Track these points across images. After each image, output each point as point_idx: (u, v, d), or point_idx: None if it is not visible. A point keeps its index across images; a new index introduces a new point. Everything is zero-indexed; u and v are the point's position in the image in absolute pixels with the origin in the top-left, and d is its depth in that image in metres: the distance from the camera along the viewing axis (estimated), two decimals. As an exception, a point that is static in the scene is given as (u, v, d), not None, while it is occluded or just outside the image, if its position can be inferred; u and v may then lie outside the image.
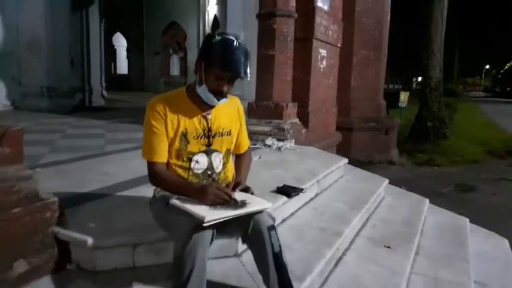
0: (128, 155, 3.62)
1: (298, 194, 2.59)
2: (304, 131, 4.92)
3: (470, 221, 3.86)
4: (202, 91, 1.66)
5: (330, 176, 3.38)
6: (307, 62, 5.02)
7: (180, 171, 1.74)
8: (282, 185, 2.66)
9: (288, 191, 2.54)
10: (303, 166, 3.42)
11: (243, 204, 1.55)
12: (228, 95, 1.71)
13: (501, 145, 10.58)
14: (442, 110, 10.60)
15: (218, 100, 1.67)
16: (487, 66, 58.44)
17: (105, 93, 10.02)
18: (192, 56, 17.30)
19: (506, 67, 46.92)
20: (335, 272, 2.20)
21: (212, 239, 1.48)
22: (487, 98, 39.65)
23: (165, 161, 1.72)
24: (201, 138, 1.75)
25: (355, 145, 7.71)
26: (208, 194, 1.54)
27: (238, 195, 1.61)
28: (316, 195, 3.09)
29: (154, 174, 1.71)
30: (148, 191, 2.29)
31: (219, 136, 1.79)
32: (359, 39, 7.60)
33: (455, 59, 29.32)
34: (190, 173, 1.74)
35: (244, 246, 2.01)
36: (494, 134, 12.65)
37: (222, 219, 1.45)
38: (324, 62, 5.43)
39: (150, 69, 19.21)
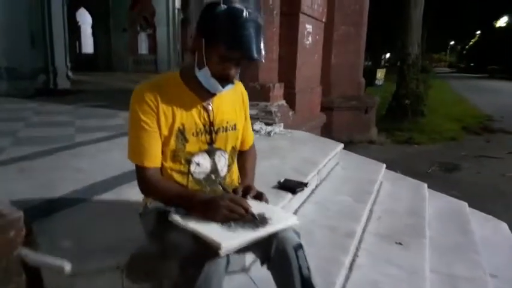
0: (103, 146, 3.23)
1: (303, 190, 2.32)
2: (291, 113, 4.64)
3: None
4: (203, 75, 1.32)
5: (328, 165, 3.12)
6: (294, 38, 4.70)
7: (176, 176, 1.41)
8: (283, 179, 2.38)
9: (291, 187, 2.26)
10: (299, 154, 3.14)
11: (262, 220, 1.24)
12: (234, 80, 1.38)
13: (475, 121, 10.72)
14: (419, 87, 10.55)
15: (223, 87, 1.34)
16: (452, 42, 59.70)
17: (70, 74, 9.33)
18: (162, 32, 16.52)
19: (470, 43, 48.06)
20: (351, 278, 1.96)
21: (227, 267, 1.18)
22: (453, 74, 40.58)
23: (159, 165, 1.38)
24: (201, 134, 1.42)
25: (336, 125, 7.52)
26: (221, 208, 1.22)
27: (253, 206, 1.31)
28: (316, 186, 2.83)
29: (146, 182, 1.38)
30: (132, 191, 1.97)
31: (223, 131, 1.47)
32: (340, 13, 7.29)
33: (425, 36, 29.59)
34: (190, 178, 1.41)
35: (253, 258, 1.74)
36: (467, 110, 12.83)
37: (242, 245, 1.14)
38: (310, 38, 5.12)
39: (118, 47, 18.22)
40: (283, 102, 4.63)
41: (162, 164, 1.40)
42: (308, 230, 2.15)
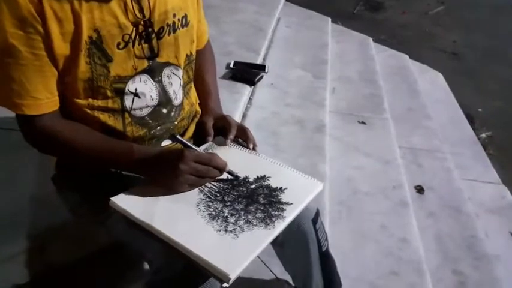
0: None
1: (262, 77, 1.81)
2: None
3: (392, 47, 3.63)
4: None
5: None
6: None
7: (104, 117, 0.82)
8: (232, 62, 1.83)
9: (247, 76, 1.75)
10: (239, 17, 2.47)
11: (271, 195, 0.79)
12: None
13: None
14: None
15: None
16: None
17: None
18: None
19: None
20: (328, 181, 1.69)
21: None
22: None
23: (56, 106, 0.79)
24: (134, 44, 0.80)
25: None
26: (182, 175, 0.74)
27: (239, 163, 0.84)
28: (264, 59, 2.32)
29: (37, 137, 0.80)
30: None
31: (169, 32, 0.85)
32: None
33: None
34: (128, 119, 0.85)
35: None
36: None
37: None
38: None
39: None
40: None
41: (71, 101, 0.80)
42: (273, 128, 1.75)
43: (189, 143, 0.82)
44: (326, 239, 0.92)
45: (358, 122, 2.17)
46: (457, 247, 1.69)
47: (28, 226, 0.99)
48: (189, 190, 0.76)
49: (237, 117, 1.58)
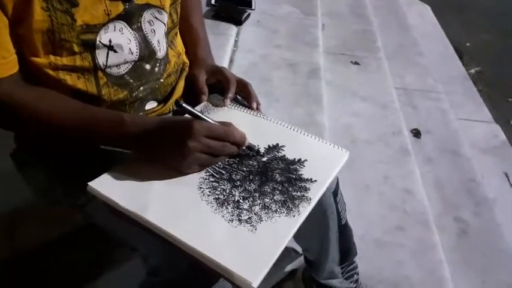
0: None
1: (249, 15, 1.59)
2: None
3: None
4: None
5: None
6: None
7: (73, 80, 0.64)
8: (213, -4, 1.59)
9: (232, 13, 1.53)
10: None
11: (290, 171, 0.64)
12: None
13: None
14: None
15: None
16: None
17: None
18: None
19: None
20: (326, 131, 1.56)
21: None
22: None
23: (15, 69, 0.59)
24: None
25: None
26: (192, 154, 0.57)
27: (245, 128, 0.67)
28: (246, -7, 2.06)
29: None
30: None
31: None
32: None
33: None
34: (103, 79, 0.66)
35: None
36: None
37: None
38: None
39: None
40: None
41: (28, 61, 0.61)
42: (263, 75, 1.57)
43: (198, 112, 0.62)
44: (345, 210, 0.81)
45: (351, 62, 2.01)
46: (456, 193, 1.64)
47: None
48: (199, 171, 0.61)
49: (225, 65, 1.39)
